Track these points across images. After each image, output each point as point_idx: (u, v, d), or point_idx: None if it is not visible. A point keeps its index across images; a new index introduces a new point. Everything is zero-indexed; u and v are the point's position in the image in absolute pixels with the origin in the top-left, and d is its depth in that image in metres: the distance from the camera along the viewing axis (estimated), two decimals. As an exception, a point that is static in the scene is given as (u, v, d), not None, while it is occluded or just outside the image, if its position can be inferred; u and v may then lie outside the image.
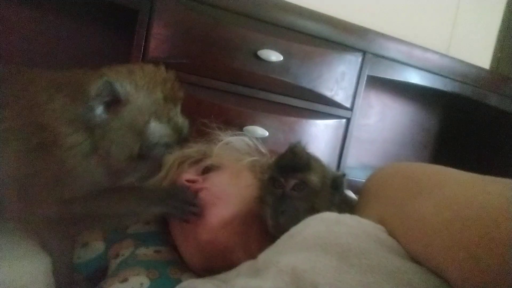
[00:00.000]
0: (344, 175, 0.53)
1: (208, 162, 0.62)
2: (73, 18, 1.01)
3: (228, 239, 0.52)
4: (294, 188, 0.49)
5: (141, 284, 0.50)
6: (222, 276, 0.47)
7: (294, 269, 0.37)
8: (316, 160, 0.53)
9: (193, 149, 0.70)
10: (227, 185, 0.57)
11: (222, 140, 0.67)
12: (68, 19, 1.01)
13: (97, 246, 0.61)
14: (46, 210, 0.47)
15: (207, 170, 0.61)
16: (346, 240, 0.38)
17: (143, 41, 0.86)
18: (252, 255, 0.45)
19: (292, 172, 0.50)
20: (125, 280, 0.50)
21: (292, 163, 0.50)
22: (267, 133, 0.96)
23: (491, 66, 1.53)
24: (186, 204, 0.51)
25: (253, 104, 0.97)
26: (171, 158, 0.69)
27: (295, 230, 0.43)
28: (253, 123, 0.95)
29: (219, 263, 0.52)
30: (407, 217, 0.39)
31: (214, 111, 0.94)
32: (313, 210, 0.47)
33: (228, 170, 0.60)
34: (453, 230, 0.32)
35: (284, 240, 0.43)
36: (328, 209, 0.48)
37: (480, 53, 1.53)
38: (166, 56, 0.88)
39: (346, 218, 0.43)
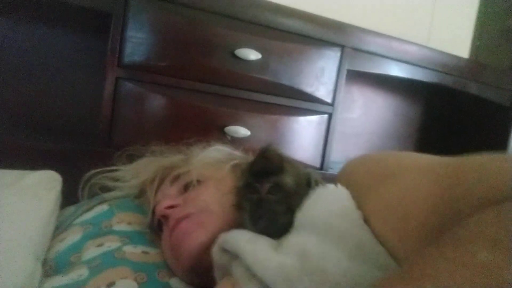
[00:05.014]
0: (313, 171, 0.56)
1: (188, 178, 0.63)
2: (45, 25, 1.03)
3: (210, 260, 0.54)
4: (269, 192, 0.51)
5: (129, 288, 0.52)
6: None
7: (303, 249, 0.39)
8: (289, 161, 0.55)
9: (174, 158, 0.72)
10: (209, 203, 0.58)
11: (196, 155, 0.69)
12: (40, 26, 1.03)
13: (73, 237, 0.63)
14: None
15: (188, 187, 0.63)
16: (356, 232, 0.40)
17: (118, 45, 0.88)
18: None
19: (265, 176, 0.51)
20: (112, 283, 0.52)
21: (265, 167, 0.52)
22: (249, 133, 0.99)
23: (471, 55, 1.60)
24: None
25: (234, 103, 1.00)
26: (152, 169, 0.72)
27: (307, 207, 0.46)
28: (235, 123, 0.99)
29: (206, 279, 0.54)
30: (369, 208, 0.41)
31: (195, 113, 0.97)
32: (291, 211, 0.49)
33: (211, 183, 0.61)
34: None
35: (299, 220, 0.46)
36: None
37: (459, 43, 1.60)
38: (143, 59, 0.91)
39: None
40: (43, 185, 0.68)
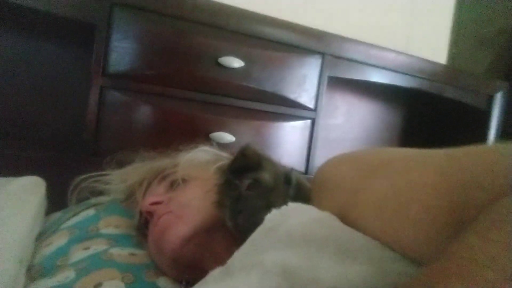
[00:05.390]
0: (292, 169, 0.58)
1: (175, 176, 0.66)
2: (31, 34, 1.04)
3: (194, 252, 0.57)
4: (248, 188, 0.53)
5: (116, 288, 0.53)
6: None
7: (285, 267, 0.35)
8: (267, 159, 0.57)
9: (164, 161, 0.75)
10: (191, 199, 0.60)
11: (184, 156, 0.71)
12: (26, 36, 1.04)
13: (60, 241, 0.64)
14: None
15: (174, 185, 0.65)
16: (340, 234, 0.38)
17: (102, 55, 0.90)
18: (222, 261, 0.45)
19: (244, 173, 0.54)
20: (99, 284, 0.53)
21: (244, 165, 0.55)
22: (234, 139, 1.02)
23: (448, 62, 1.67)
24: None
25: (218, 110, 1.02)
26: (141, 173, 0.74)
27: (272, 223, 0.42)
28: (220, 129, 1.01)
29: (191, 273, 0.56)
30: (362, 201, 0.40)
31: (180, 120, 0.99)
32: (270, 206, 0.50)
33: (197, 182, 0.64)
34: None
35: (261, 236, 0.42)
36: (285, 203, 0.53)
37: (436, 50, 1.67)
38: (128, 69, 0.93)
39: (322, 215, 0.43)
40: (27, 190, 0.69)
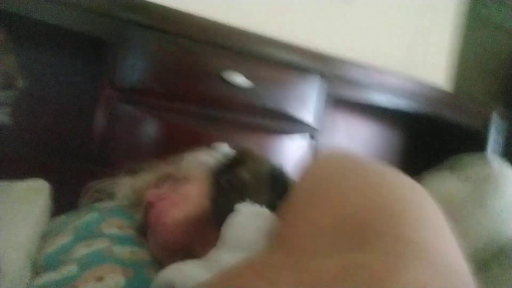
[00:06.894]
0: (281, 170, 0.62)
1: (177, 174, 0.70)
2: (41, 46, 1.09)
3: (184, 238, 0.60)
4: (229, 184, 0.58)
5: (117, 282, 0.55)
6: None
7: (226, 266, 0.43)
8: (254, 158, 0.62)
9: (170, 167, 0.78)
10: (189, 193, 0.65)
11: (187, 157, 0.75)
12: (39, 48, 1.09)
13: (64, 240, 0.66)
14: None
15: (175, 182, 0.69)
16: None
17: (113, 69, 0.95)
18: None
19: (227, 170, 0.61)
20: (100, 278, 0.55)
21: (227, 163, 0.62)
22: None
23: (448, 86, 1.72)
24: None
25: (222, 125, 1.07)
26: (149, 179, 0.77)
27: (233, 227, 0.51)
28: (222, 142, 1.04)
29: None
30: None
31: (185, 134, 1.03)
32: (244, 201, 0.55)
33: (195, 180, 0.67)
34: None
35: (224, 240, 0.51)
36: (262, 200, 0.55)
37: (438, 75, 1.73)
38: (136, 83, 0.98)
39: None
40: (32, 192, 0.74)
